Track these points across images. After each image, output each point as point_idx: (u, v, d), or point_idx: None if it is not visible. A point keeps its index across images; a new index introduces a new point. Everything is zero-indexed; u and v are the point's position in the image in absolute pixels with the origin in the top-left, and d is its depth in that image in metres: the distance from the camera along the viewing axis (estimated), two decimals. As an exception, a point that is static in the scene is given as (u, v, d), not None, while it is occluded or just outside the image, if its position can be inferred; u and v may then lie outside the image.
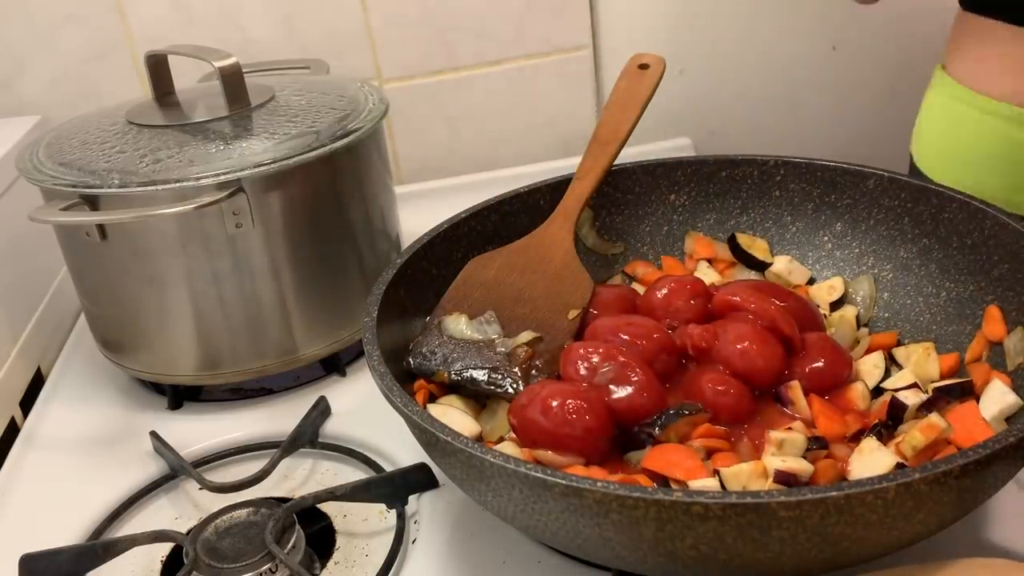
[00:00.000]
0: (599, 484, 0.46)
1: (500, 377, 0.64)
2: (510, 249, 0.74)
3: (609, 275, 0.80)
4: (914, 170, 0.87)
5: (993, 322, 0.65)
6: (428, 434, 0.53)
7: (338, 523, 0.69)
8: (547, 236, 0.75)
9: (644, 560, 0.50)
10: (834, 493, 0.44)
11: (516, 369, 0.65)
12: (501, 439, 0.63)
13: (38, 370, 0.92)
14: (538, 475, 0.47)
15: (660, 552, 0.48)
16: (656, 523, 0.46)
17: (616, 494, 0.46)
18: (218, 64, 0.79)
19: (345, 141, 0.77)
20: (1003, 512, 0.61)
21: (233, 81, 0.80)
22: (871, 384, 0.66)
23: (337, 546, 0.67)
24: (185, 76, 0.91)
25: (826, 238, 0.78)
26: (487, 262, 0.73)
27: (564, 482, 0.47)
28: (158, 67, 0.85)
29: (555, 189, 0.79)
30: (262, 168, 0.73)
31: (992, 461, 0.46)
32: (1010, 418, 0.60)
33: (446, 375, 0.65)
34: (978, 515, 0.61)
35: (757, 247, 0.78)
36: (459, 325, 0.68)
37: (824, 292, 0.75)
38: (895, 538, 0.49)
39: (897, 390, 0.63)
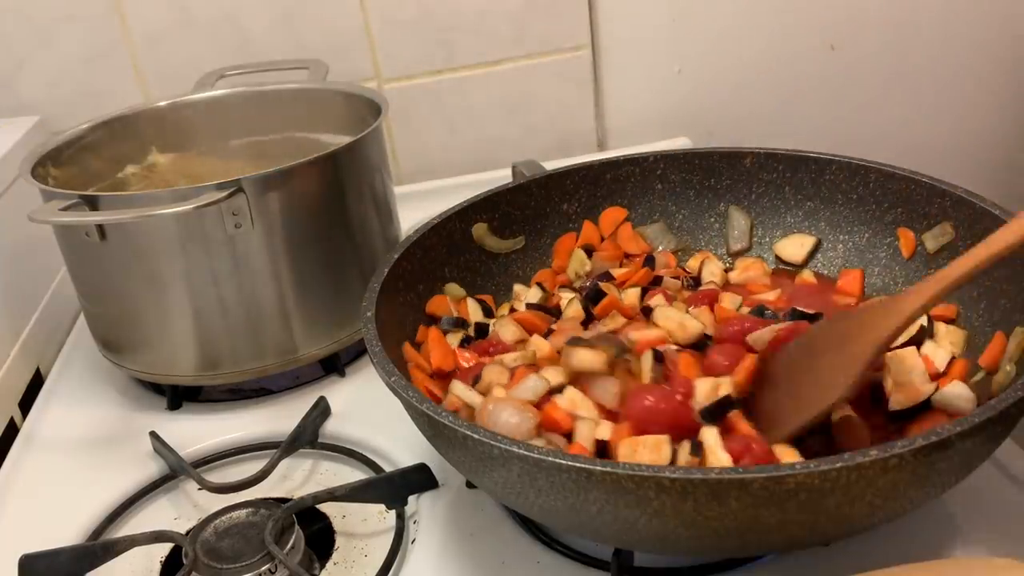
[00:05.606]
0: (609, 466, 0.47)
1: None
2: None
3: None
4: None
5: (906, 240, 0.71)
6: (438, 425, 0.52)
7: (337, 523, 0.69)
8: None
9: (667, 538, 0.50)
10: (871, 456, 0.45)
11: None
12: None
13: (37, 370, 0.92)
14: (553, 460, 0.48)
15: (677, 527, 0.48)
16: (677, 498, 0.47)
17: (625, 474, 0.46)
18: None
19: (345, 141, 0.77)
20: (1003, 512, 0.61)
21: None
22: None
23: (336, 546, 0.67)
24: (185, 78, 0.91)
25: (712, 219, 0.80)
26: None
27: (579, 465, 0.47)
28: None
29: (543, 186, 0.79)
30: (262, 169, 0.73)
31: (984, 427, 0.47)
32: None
33: None
34: (978, 515, 0.61)
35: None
36: None
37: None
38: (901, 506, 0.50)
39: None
